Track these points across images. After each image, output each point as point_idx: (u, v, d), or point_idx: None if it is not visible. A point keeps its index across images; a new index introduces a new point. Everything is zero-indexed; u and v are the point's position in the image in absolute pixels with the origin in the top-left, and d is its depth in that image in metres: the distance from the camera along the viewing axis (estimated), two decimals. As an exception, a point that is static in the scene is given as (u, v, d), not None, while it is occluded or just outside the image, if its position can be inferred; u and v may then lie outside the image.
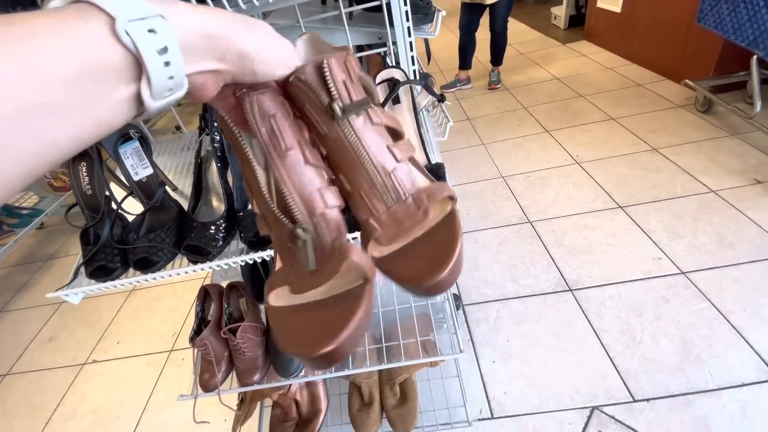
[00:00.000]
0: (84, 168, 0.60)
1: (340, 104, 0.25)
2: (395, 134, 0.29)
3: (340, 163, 0.28)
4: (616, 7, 2.87)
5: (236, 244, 0.57)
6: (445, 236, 0.27)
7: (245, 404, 0.98)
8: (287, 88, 0.27)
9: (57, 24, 0.16)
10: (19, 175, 0.15)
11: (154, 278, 0.55)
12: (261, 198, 0.27)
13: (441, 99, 0.64)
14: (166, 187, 0.62)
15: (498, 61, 2.87)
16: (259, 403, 1.08)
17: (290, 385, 0.93)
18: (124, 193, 0.61)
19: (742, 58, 2.00)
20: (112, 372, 1.46)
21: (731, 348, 1.09)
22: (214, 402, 0.84)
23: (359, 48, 1.21)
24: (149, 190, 0.60)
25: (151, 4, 0.18)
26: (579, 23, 3.60)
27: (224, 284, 0.79)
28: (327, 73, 0.25)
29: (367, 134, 0.27)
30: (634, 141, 1.99)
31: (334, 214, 0.27)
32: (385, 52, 1.11)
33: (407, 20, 0.66)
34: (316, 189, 0.27)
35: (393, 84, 0.56)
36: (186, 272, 0.55)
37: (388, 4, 0.65)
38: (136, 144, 0.62)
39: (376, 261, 0.27)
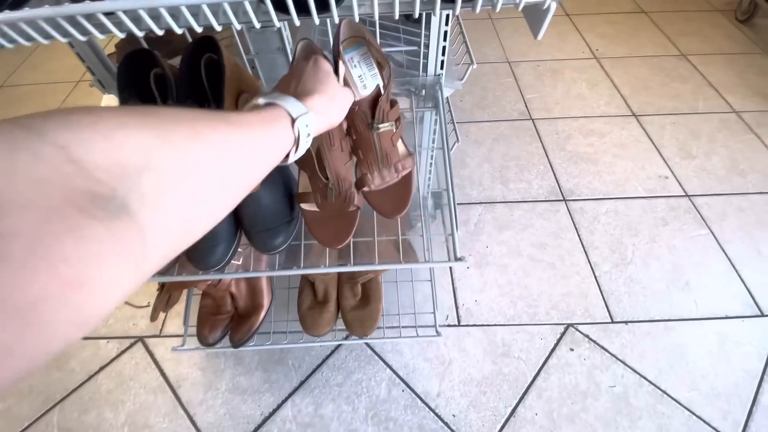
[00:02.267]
0: None
1: (376, 125, 0.50)
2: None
3: (361, 145, 0.52)
4: None
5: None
6: (404, 189, 0.55)
7: (164, 291, 0.77)
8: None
9: (267, 126, 0.28)
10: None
11: None
12: (312, 167, 0.51)
13: None
14: None
15: None
16: (185, 290, 0.87)
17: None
18: None
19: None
20: None
21: (722, 279, 1.01)
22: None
23: None
24: None
25: (305, 105, 0.33)
26: None
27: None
28: (379, 106, 0.49)
29: (382, 136, 0.51)
30: (663, 42, 1.69)
31: (350, 177, 0.53)
32: None
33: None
34: (343, 165, 0.52)
35: None
36: None
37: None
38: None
39: (366, 194, 0.55)
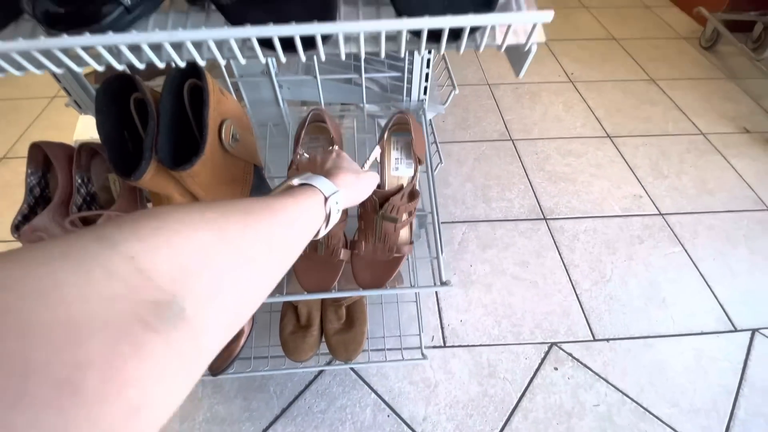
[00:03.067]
0: None
1: (382, 214, 0.51)
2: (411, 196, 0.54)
3: (364, 218, 0.54)
4: None
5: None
6: (389, 269, 0.55)
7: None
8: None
9: (304, 208, 0.30)
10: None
11: None
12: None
13: None
14: None
15: None
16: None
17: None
18: None
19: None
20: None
21: (696, 295, 1.04)
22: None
23: None
24: None
25: (334, 183, 0.36)
26: None
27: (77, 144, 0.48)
28: (390, 201, 0.51)
29: (386, 223, 0.52)
30: (633, 67, 1.78)
31: (339, 233, 0.55)
32: None
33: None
34: (340, 229, 0.55)
35: None
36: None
37: None
38: None
39: (352, 255, 0.56)
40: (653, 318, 1.00)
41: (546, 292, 1.04)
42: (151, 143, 0.38)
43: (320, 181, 0.34)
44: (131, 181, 0.38)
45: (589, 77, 1.72)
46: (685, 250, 1.13)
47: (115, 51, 0.24)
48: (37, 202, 0.47)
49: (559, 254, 1.12)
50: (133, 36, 0.23)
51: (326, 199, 0.33)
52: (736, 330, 0.98)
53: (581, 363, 0.92)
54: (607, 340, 0.96)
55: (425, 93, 0.65)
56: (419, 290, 0.59)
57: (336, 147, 0.44)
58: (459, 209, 1.23)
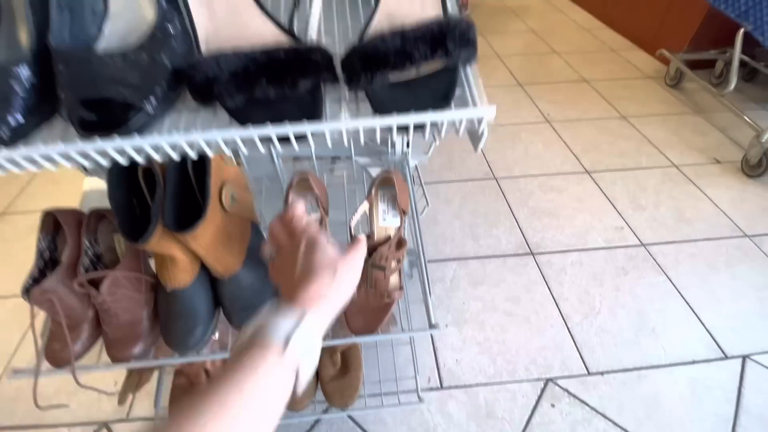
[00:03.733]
0: None
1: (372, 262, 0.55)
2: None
3: None
4: (602, -38, 2.68)
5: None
6: (380, 314, 0.58)
7: (135, 372, 0.75)
8: None
9: (262, 371, 0.27)
10: None
11: None
12: None
13: None
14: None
15: None
16: (157, 369, 0.84)
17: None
18: None
19: (716, 37, 1.95)
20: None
21: (684, 324, 1.06)
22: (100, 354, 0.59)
23: None
24: None
25: (313, 333, 0.32)
26: (560, -23, 3.38)
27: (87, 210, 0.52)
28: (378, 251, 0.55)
29: (375, 272, 0.55)
30: (605, 106, 1.90)
31: None
32: None
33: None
34: None
35: None
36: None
37: None
38: None
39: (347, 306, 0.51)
40: (645, 349, 1.01)
41: (538, 327, 1.06)
42: (158, 210, 0.42)
43: (274, 325, 0.30)
44: (139, 245, 0.42)
45: (565, 117, 1.83)
46: (669, 279, 1.17)
47: (138, 148, 0.29)
48: (46, 264, 0.50)
49: (548, 288, 1.15)
50: (156, 138, 0.27)
51: (299, 369, 0.30)
52: (726, 357, 0.99)
53: (578, 398, 0.93)
54: (602, 373, 0.97)
55: (408, 146, 0.71)
56: (412, 334, 0.61)
57: (312, 233, 0.36)
58: (449, 247, 1.27)
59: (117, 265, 0.51)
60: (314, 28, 0.31)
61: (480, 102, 0.35)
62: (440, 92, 0.34)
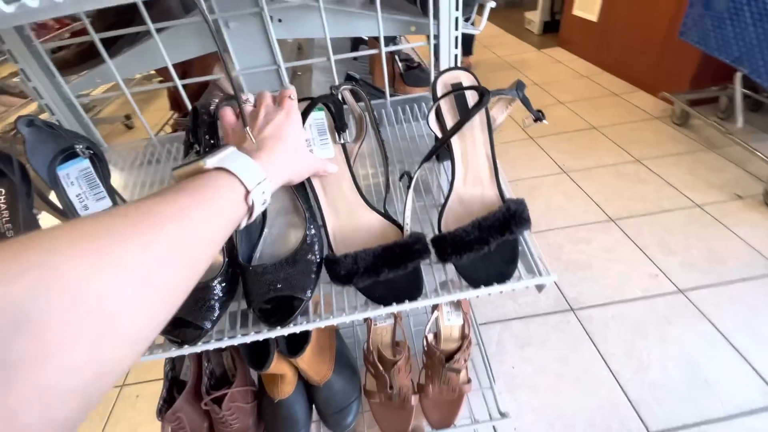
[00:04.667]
0: (2, 197, 0.40)
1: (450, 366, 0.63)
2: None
3: (431, 368, 0.65)
4: (593, 16, 2.90)
5: (236, 304, 0.41)
6: (454, 406, 0.65)
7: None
8: None
9: (219, 196, 0.26)
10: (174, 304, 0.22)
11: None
12: (377, 370, 0.64)
13: (540, 118, 0.52)
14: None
15: (469, 51, 3.05)
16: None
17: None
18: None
19: (716, 73, 2.05)
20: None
21: (736, 371, 1.07)
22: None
23: (355, 43, 1.06)
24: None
25: (262, 168, 0.30)
26: (553, 29, 3.63)
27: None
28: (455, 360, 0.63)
29: (450, 374, 0.64)
30: (618, 151, 1.99)
31: (408, 383, 0.66)
32: (393, 52, 0.97)
33: (456, 8, 0.53)
34: (406, 378, 0.66)
35: (480, 94, 0.43)
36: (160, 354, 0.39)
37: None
38: (86, 164, 0.44)
39: (421, 399, 0.65)
40: (701, 402, 1.02)
41: (590, 387, 1.08)
42: (274, 342, 0.51)
43: (243, 166, 0.28)
44: (261, 371, 0.51)
45: (581, 166, 1.92)
46: (714, 325, 1.18)
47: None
48: (171, 384, 0.60)
49: (594, 345, 1.18)
50: (318, 322, 0.38)
51: (248, 192, 0.28)
52: (786, 404, 0.99)
53: (643, 460, 0.93)
54: None
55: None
56: (477, 426, 0.67)
57: (290, 102, 0.36)
58: (489, 308, 1.33)
59: (229, 379, 0.60)
60: (408, 216, 0.41)
61: (540, 261, 0.45)
62: (508, 257, 0.43)
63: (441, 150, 0.47)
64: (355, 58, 1.03)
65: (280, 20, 0.55)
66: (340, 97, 0.40)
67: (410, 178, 0.43)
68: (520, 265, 0.45)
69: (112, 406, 1.19)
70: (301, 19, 0.55)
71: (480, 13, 0.60)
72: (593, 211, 1.65)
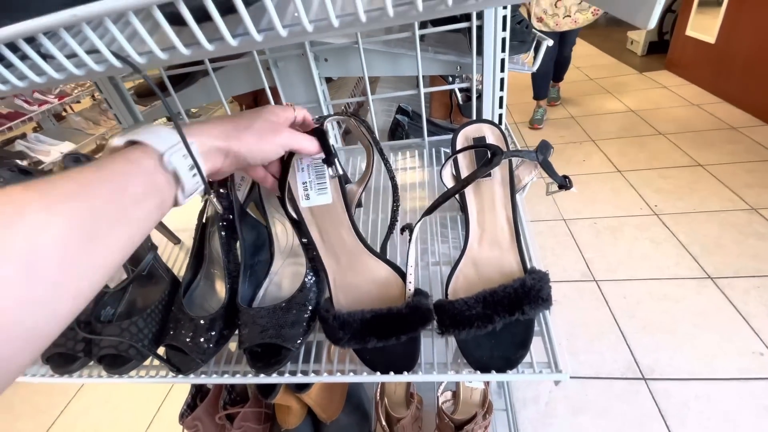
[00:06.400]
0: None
1: None
2: None
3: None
4: (710, 37, 2.54)
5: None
6: None
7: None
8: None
9: (128, 167, 0.24)
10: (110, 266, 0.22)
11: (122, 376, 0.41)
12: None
13: (565, 185, 0.45)
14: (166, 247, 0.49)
15: (560, 78, 2.67)
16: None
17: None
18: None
19: None
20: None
21: None
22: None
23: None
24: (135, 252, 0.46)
25: (186, 131, 0.28)
26: (660, 50, 3.27)
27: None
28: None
29: None
30: (727, 195, 1.69)
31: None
32: (452, 90, 0.94)
33: (503, 50, 0.49)
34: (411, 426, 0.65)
35: (491, 154, 0.39)
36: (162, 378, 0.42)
37: (479, 27, 0.48)
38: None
39: None
40: None
41: (656, 478, 0.91)
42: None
43: (151, 133, 0.26)
44: (267, 400, 0.52)
45: (677, 209, 1.67)
46: (843, 434, 0.92)
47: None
48: (197, 391, 0.64)
49: (667, 427, 0.99)
50: (313, 378, 0.38)
51: (162, 155, 0.25)
52: None
53: None
54: None
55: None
56: None
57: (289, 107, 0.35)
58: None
59: (248, 396, 0.62)
60: (412, 274, 0.38)
61: (557, 352, 0.38)
62: (518, 340, 0.38)
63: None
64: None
65: (326, 59, 0.57)
66: (326, 127, 0.38)
67: (411, 232, 0.40)
68: (532, 349, 0.39)
69: (160, 404, 1.32)
70: (346, 58, 0.57)
71: (537, 50, 0.55)
72: (686, 265, 1.41)
